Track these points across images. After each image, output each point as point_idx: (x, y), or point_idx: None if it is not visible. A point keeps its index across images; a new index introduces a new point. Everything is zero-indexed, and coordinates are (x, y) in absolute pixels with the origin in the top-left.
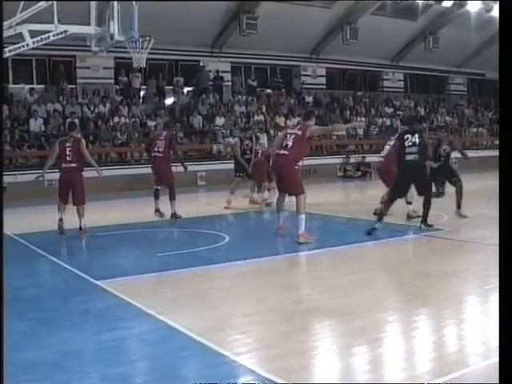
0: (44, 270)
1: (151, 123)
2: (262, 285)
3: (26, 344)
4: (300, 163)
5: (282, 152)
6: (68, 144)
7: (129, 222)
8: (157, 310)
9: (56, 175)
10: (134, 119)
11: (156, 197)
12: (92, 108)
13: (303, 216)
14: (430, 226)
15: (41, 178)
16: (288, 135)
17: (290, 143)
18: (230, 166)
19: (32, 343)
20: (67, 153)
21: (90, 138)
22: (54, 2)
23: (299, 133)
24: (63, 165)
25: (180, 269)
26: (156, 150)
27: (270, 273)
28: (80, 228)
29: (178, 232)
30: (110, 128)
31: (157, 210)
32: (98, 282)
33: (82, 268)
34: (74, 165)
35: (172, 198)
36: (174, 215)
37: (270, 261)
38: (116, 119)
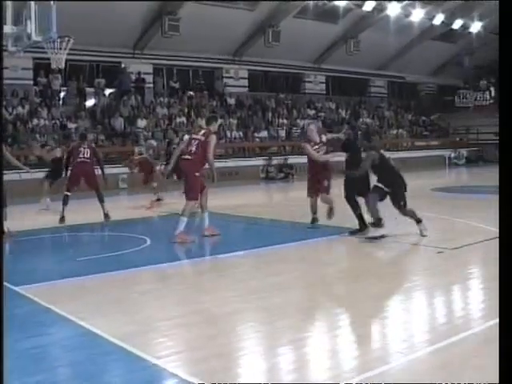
0: None
1: (72, 125)
2: (184, 288)
3: None
4: (202, 169)
5: (186, 157)
6: None
7: (48, 227)
8: (77, 315)
9: None
10: (53, 121)
11: (66, 203)
12: (10, 110)
13: (184, 218)
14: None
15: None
16: (192, 140)
17: (193, 148)
18: None
19: None
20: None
21: (9, 140)
22: None
23: (202, 138)
24: None
25: (101, 273)
26: (82, 156)
27: (192, 275)
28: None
29: (99, 236)
30: (30, 130)
31: (62, 218)
32: (16, 288)
33: None
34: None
35: (101, 199)
36: (107, 216)
37: (192, 263)
38: (35, 121)
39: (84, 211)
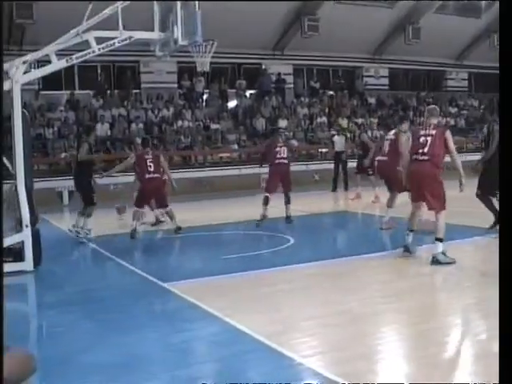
0: (112, 272)
1: (214, 126)
2: (327, 287)
3: (95, 345)
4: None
5: (381, 158)
6: (147, 157)
7: (196, 225)
8: (223, 312)
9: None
10: (197, 123)
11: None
12: (156, 112)
13: (389, 209)
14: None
15: (97, 177)
16: (385, 141)
17: (386, 149)
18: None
19: (100, 345)
20: (148, 164)
21: (155, 141)
22: (119, 9)
23: (393, 138)
24: (146, 175)
25: (246, 271)
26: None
27: (335, 275)
28: (178, 228)
29: (243, 235)
30: (174, 132)
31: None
32: (165, 285)
33: (149, 270)
34: (156, 175)
35: (288, 201)
36: (289, 218)
37: (337, 263)
38: (179, 123)
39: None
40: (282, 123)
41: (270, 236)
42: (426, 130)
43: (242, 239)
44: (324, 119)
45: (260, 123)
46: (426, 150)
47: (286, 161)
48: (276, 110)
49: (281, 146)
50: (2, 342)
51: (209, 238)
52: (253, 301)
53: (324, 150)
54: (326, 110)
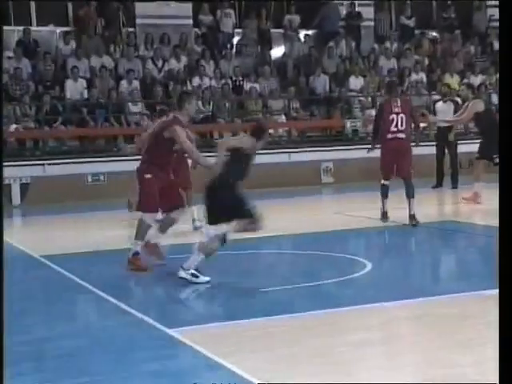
0: (88, 310)
1: (250, 86)
2: (423, 340)
3: None
4: None
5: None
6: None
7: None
8: (261, 375)
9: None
10: (223, 81)
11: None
12: (160, 64)
13: None
14: None
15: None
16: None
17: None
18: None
19: None
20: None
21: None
22: None
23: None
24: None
25: (296, 312)
26: (393, 129)
27: (437, 321)
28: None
29: (294, 256)
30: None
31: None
32: (170, 331)
33: (144, 309)
34: None
35: (410, 194)
36: (413, 218)
37: (437, 302)
38: (196, 81)
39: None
40: (356, 83)
41: (335, 258)
42: None
43: (293, 262)
44: (422, 76)
45: (321, 83)
46: None
47: (403, 135)
48: (346, 61)
49: (397, 112)
50: (2, 343)
51: (243, 259)
52: (306, 357)
53: (422, 125)
54: (426, 62)
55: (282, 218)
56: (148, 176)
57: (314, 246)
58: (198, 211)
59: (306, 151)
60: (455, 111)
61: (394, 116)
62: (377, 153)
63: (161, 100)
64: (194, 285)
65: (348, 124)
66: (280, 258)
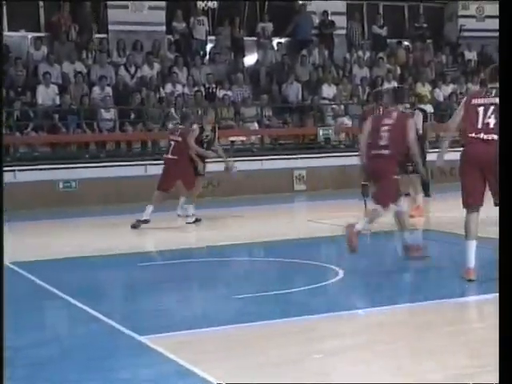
0: (59, 318)
1: (223, 93)
2: (395, 347)
3: None
4: None
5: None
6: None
7: (198, 246)
8: (233, 382)
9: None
10: (196, 88)
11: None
12: (132, 70)
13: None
14: None
15: None
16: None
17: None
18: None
19: None
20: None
21: (131, 116)
22: None
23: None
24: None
25: (270, 319)
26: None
27: (409, 327)
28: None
29: (268, 263)
30: (160, 101)
31: None
32: (141, 339)
33: (115, 317)
34: (174, 157)
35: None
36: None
37: (408, 309)
38: (169, 88)
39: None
40: (328, 91)
41: (307, 265)
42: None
43: (265, 269)
44: (394, 85)
45: (294, 91)
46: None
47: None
48: (319, 69)
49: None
50: (2, 343)
51: (215, 266)
52: (280, 365)
53: None
54: (398, 72)
55: (253, 225)
56: (397, 177)
57: (286, 254)
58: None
59: (279, 159)
60: (425, 120)
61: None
62: (350, 160)
63: (133, 107)
64: (166, 291)
65: (320, 132)
66: (252, 266)
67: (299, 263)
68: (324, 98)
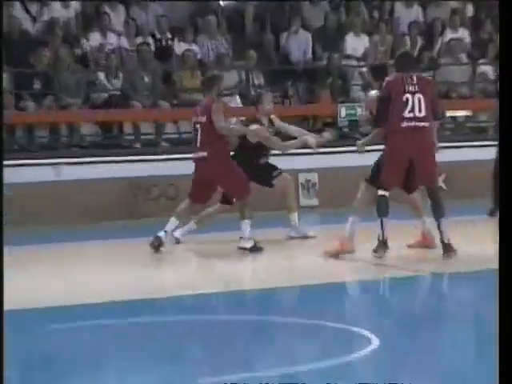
0: None
1: (185, 47)
2: None
3: None
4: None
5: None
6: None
7: (143, 298)
8: None
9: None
10: (139, 39)
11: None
12: (34, 11)
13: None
14: None
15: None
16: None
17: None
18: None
19: None
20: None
21: (34, 85)
22: None
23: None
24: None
25: None
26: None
27: None
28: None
29: (265, 324)
30: (80, 61)
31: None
32: None
33: None
34: (204, 154)
35: (439, 213)
36: (448, 247)
37: None
38: (95, 39)
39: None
40: (355, 44)
41: (326, 328)
42: None
43: (267, 336)
44: (463, 34)
45: (300, 44)
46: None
47: (424, 123)
48: (340, 10)
49: (413, 92)
50: (3, 344)
51: (178, 328)
52: None
53: (453, 114)
54: (470, 10)
55: (243, 262)
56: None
57: (289, 310)
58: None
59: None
60: None
61: (409, 97)
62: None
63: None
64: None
65: (343, 111)
66: (246, 329)
67: (315, 325)
68: (349, 57)
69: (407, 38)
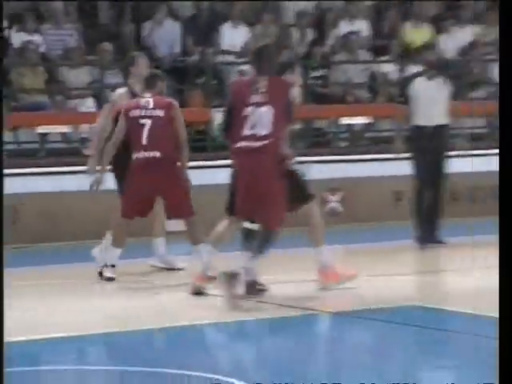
0: None
1: (25, 38)
2: None
3: None
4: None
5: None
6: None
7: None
8: None
9: None
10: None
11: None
12: None
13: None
14: None
15: (94, 188)
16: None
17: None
18: None
19: None
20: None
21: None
22: None
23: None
24: (137, 154)
25: None
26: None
27: None
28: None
29: None
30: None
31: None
32: None
33: None
34: (157, 154)
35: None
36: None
37: None
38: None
39: None
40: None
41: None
42: None
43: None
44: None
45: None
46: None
47: (265, 141)
48: None
49: (260, 104)
50: (2, 343)
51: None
52: None
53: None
54: None
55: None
56: None
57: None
58: None
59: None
60: None
61: (253, 110)
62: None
63: None
64: None
65: (218, 117)
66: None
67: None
68: (225, 52)
69: (295, 30)
